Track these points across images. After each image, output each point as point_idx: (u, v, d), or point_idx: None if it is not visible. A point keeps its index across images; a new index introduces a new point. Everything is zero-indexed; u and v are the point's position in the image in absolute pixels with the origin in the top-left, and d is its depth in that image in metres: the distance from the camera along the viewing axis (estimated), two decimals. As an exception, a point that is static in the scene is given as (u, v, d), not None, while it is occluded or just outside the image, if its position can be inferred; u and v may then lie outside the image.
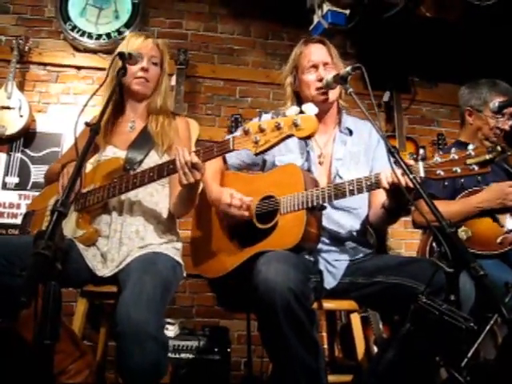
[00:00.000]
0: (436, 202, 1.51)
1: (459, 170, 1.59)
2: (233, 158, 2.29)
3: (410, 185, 1.60)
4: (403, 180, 1.63)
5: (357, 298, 2.00)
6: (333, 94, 2.14)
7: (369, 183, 1.80)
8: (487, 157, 1.54)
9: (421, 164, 1.66)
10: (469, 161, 1.57)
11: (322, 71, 2.13)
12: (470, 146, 1.59)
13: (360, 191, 1.82)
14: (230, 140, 1.75)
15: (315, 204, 1.88)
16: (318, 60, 2.15)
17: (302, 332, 1.67)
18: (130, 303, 1.66)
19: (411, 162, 1.68)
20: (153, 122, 2.18)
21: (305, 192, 1.91)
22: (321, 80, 2.10)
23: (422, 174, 1.65)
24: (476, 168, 1.56)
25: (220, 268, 2.10)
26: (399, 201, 1.78)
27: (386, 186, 1.72)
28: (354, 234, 2.11)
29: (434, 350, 1.62)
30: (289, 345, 1.66)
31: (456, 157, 1.60)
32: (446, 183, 1.68)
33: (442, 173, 1.62)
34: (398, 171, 1.63)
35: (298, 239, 1.84)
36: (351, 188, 1.83)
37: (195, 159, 1.76)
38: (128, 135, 2.20)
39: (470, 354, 1.61)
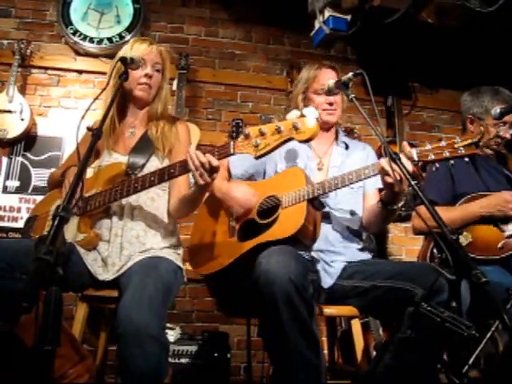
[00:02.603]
0: (436, 208, 1.52)
1: (448, 154, 1.78)
2: (237, 167, 2.34)
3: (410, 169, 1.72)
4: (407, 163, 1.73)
5: (356, 303, 2.01)
6: (337, 116, 2.30)
7: (367, 171, 1.91)
8: (473, 139, 1.75)
9: (414, 150, 1.82)
10: (456, 145, 1.77)
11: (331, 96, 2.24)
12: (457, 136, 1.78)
13: (359, 177, 1.92)
14: (231, 144, 1.75)
15: (316, 195, 1.94)
16: None
17: (302, 324, 1.69)
18: (131, 305, 1.66)
19: (407, 148, 1.83)
20: (153, 128, 2.19)
21: (305, 186, 1.97)
22: (330, 103, 2.26)
23: (416, 158, 1.80)
24: (463, 151, 1.75)
25: (218, 263, 2.11)
26: (395, 189, 1.82)
27: (386, 166, 1.77)
28: (352, 235, 2.15)
29: (433, 356, 1.62)
30: (288, 337, 1.68)
31: (445, 143, 1.79)
32: (438, 165, 1.87)
33: (433, 156, 1.80)
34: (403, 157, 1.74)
35: (298, 226, 1.87)
36: (350, 177, 1.94)
37: (213, 160, 1.76)
38: (128, 140, 2.20)
39: (471, 361, 1.61)
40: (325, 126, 2.31)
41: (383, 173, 1.81)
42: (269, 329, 1.76)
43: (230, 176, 2.36)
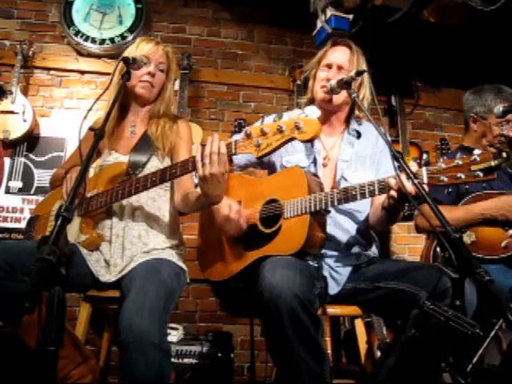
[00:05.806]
0: (440, 207, 1.51)
1: (463, 177, 1.53)
2: (240, 157, 2.27)
3: (413, 192, 1.60)
4: (409, 187, 1.61)
5: (360, 303, 2.00)
6: (337, 98, 2.13)
7: (372, 189, 1.78)
8: (492, 163, 1.48)
9: (424, 170, 1.63)
10: (474, 167, 1.51)
11: (333, 72, 2.13)
12: (476, 151, 1.53)
13: (363, 196, 1.81)
14: (232, 144, 1.74)
15: (318, 209, 1.87)
16: (334, 61, 2.15)
17: (307, 338, 1.67)
18: (132, 312, 1.65)
19: (415, 168, 1.65)
20: (153, 126, 2.18)
21: (308, 196, 1.91)
22: (328, 80, 2.10)
23: (426, 181, 1.62)
24: (481, 175, 1.50)
25: (225, 271, 2.10)
26: (401, 203, 1.77)
27: (395, 194, 1.71)
28: (359, 238, 2.11)
29: (437, 355, 1.62)
30: (293, 351, 1.65)
31: (460, 162, 1.54)
32: (450, 189, 1.66)
33: (446, 179, 1.57)
34: (403, 176, 1.62)
35: (301, 245, 1.84)
36: (354, 193, 1.82)
37: (222, 147, 1.74)
38: (129, 140, 2.20)
39: (474, 360, 1.60)
40: (330, 109, 2.18)
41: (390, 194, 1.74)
42: (274, 341, 1.73)
43: (232, 167, 2.32)
